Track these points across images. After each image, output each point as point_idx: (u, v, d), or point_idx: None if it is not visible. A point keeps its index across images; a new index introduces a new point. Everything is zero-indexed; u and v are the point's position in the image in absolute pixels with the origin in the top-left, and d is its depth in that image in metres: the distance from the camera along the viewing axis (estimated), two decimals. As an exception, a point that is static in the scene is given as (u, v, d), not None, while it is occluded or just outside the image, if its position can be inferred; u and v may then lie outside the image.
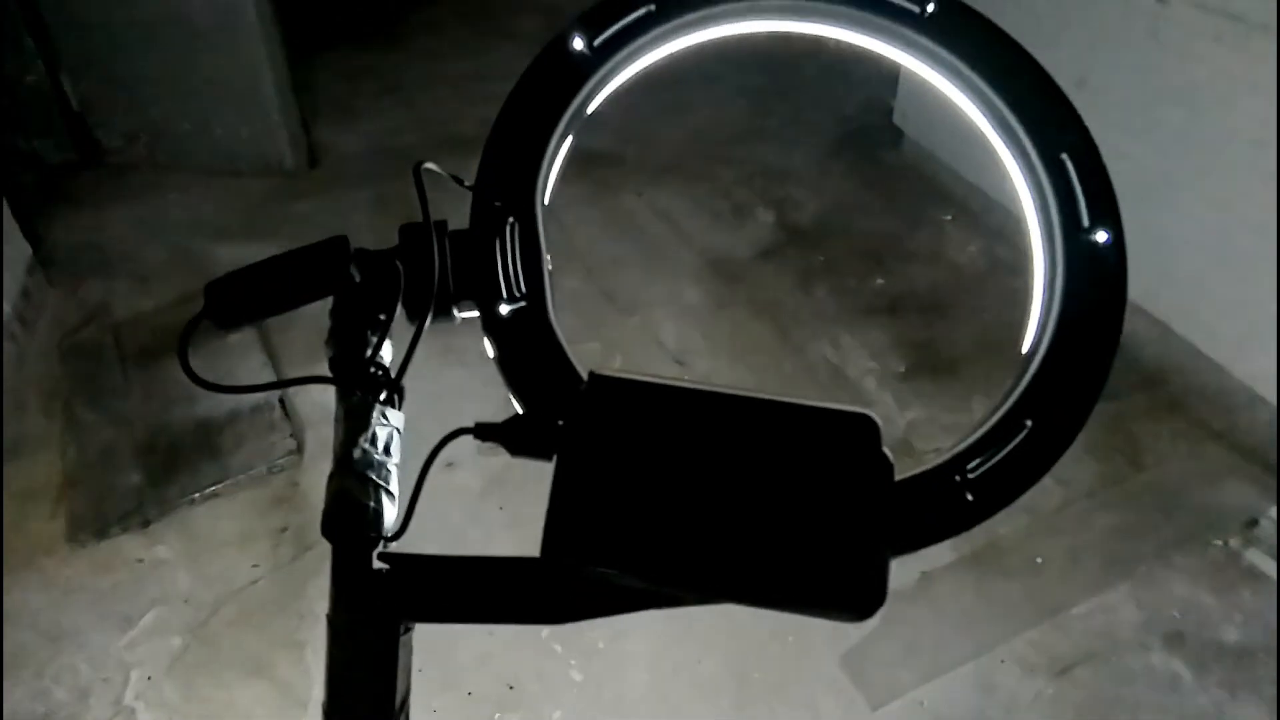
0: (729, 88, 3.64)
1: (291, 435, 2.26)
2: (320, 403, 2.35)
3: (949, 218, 2.95)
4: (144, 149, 3.24)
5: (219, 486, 2.14)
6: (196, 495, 2.12)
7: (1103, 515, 2.06)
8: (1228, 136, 2.16)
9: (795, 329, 2.60)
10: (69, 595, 1.94)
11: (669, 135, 3.43)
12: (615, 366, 0.57)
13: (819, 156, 3.31)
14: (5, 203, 2.53)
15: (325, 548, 2.07)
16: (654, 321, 2.63)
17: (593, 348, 2.53)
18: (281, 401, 2.34)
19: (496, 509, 2.10)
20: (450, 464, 2.18)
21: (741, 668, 1.81)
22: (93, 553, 2.02)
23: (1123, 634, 1.86)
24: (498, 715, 1.75)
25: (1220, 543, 2.00)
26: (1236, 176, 2.17)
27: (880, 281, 2.77)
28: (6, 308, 2.44)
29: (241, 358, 2.45)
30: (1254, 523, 2.03)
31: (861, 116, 3.49)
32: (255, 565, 2.00)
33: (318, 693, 2.01)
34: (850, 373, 2.46)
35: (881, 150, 3.30)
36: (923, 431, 2.29)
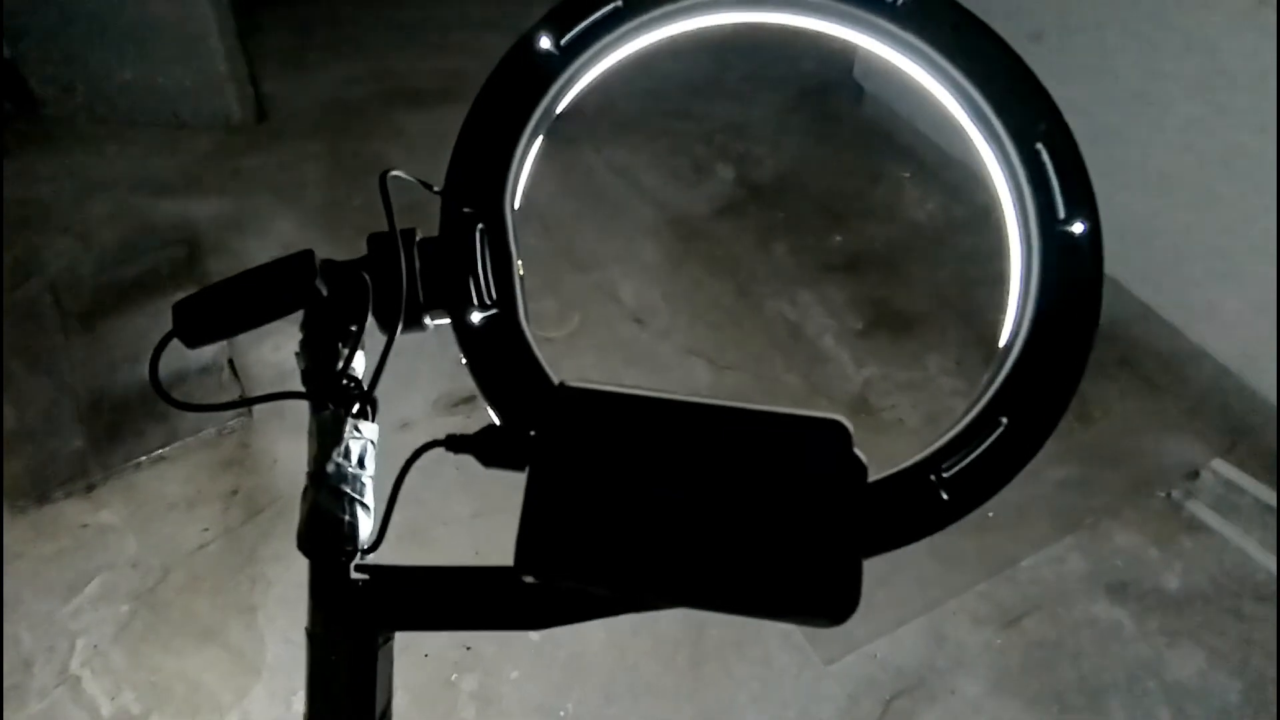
0: (689, 41, 3.57)
1: (241, 396, 2.21)
2: (272, 362, 2.30)
3: (908, 174, 2.94)
4: (82, 100, 3.10)
5: (166, 450, 2.10)
6: (143, 458, 2.08)
7: (1051, 469, 2.10)
8: (1179, 89, 2.17)
9: (754, 286, 2.59)
10: (9, 562, 1.89)
11: (628, 89, 3.36)
12: (581, 377, 0.57)
13: (779, 112, 3.28)
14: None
15: (277, 509, 2.02)
16: (612, 279, 2.61)
17: (549, 306, 2.50)
18: (230, 361, 2.28)
19: (453, 469, 2.08)
20: (406, 424, 2.16)
21: (698, 624, 1.82)
22: (34, 519, 1.97)
23: (1069, 585, 1.90)
24: (455, 676, 1.75)
25: (1163, 494, 2.05)
26: (1187, 130, 2.19)
27: (839, 239, 2.76)
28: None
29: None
30: (1195, 475, 2.08)
31: (822, 72, 3.44)
32: (205, 529, 1.96)
33: (270, 658, 1.98)
34: (808, 330, 2.46)
35: (842, 106, 3.28)
36: (879, 388, 2.31)
